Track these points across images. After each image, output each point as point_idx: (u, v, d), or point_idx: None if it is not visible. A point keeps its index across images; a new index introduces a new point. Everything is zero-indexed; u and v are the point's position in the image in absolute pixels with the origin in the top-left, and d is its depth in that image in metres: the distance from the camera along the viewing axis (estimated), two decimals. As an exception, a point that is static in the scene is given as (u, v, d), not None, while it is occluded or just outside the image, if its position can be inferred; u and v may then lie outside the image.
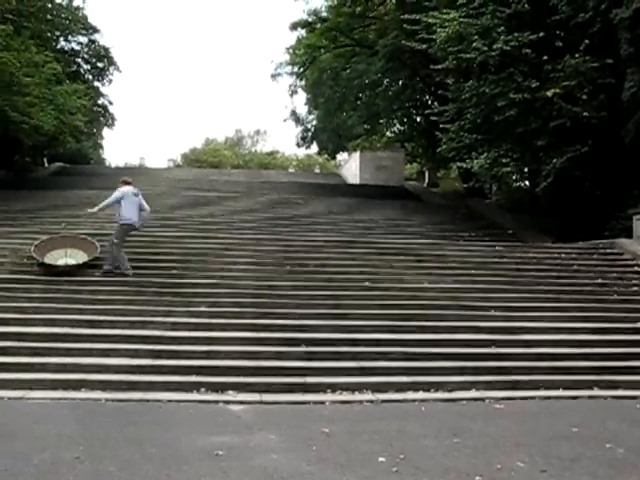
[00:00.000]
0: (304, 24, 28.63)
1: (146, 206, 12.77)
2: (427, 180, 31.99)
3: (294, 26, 29.30)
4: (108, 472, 5.27)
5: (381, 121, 29.26)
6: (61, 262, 12.37)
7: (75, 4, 30.22)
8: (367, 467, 5.55)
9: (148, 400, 7.90)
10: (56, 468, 5.39)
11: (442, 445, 6.25)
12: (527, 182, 24.58)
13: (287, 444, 6.24)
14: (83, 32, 31.18)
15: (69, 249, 12.66)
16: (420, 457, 5.84)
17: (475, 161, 19.68)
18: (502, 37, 17.67)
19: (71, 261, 12.42)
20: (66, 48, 31.30)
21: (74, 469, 5.36)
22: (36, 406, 7.60)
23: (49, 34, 26.84)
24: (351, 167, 34.63)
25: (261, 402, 8.06)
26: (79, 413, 7.38)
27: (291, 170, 59.01)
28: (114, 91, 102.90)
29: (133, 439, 6.27)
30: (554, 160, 17.65)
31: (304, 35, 29.86)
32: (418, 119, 29.10)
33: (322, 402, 8.09)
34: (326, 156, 44.05)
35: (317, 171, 57.16)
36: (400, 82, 26.34)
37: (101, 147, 42.76)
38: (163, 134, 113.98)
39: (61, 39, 30.59)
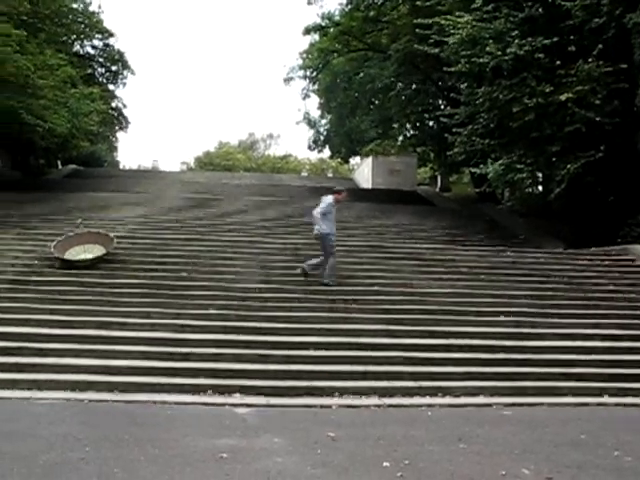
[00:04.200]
0: (317, 28, 28.65)
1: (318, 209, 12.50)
2: (439, 185, 31.93)
3: (307, 30, 29.33)
4: (112, 473, 5.29)
5: (394, 125, 29.21)
6: (81, 257, 12.69)
7: (91, 8, 30.50)
8: (371, 472, 5.54)
9: (155, 402, 7.93)
10: (61, 469, 5.41)
11: (447, 450, 6.23)
12: (540, 187, 24.48)
13: (292, 447, 6.24)
14: (98, 36, 31.46)
15: (87, 245, 13.03)
16: (425, 462, 5.83)
17: (490, 167, 19.60)
18: (516, 41, 17.62)
19: (90, 255, 12.75)
20: (81, 52, 31.59)
21: (79, 470, 5.39)
22: (44, 407, 7.64)
23: (65, 37, 27.01)
24: (363, 171, 34.63)
25: (267, 405, 8.07)
26: (86, 414, 7.42)
27: (304, 174, 59.07)
28: (128, 94, 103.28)
29: (138, 440, 6.29)
30: (568, 166, 17.53)
31: (317, 39, 29.94)
32: (431, 123, 29.05)
33: (329, 406, 8.10)
34: (339, 160, 44.05)
35: (330, 175, 57.16)
36: (413, 86, 26.30)
37: (115, 150, 43.01)
38: (177, 137, 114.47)
39: (76, 43, 30.83)
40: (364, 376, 9.05)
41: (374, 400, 8.38)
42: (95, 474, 5.30)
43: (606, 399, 8.83)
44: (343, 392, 8.55)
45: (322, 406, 8.07)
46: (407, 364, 9.46)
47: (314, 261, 12.43)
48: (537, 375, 9.36)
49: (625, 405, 8.60)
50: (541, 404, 8.51)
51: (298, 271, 12.43)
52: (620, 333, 10.97)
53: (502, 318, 11.33)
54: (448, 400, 8.51)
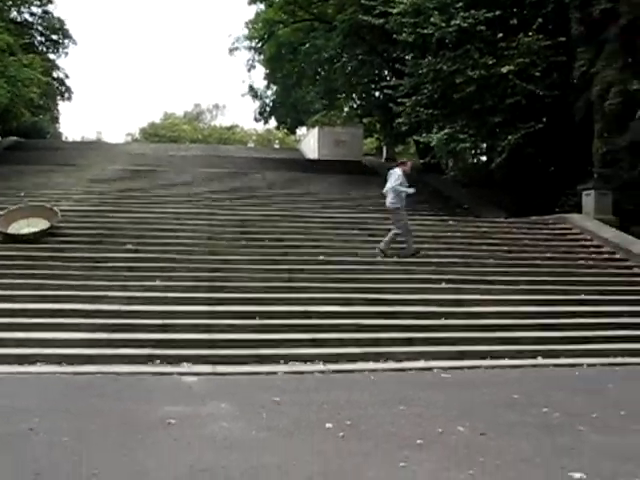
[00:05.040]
0: (263, -2, 28.48)
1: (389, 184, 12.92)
2: (385, 155, 32.20)
3: (252, 0, 29.13)
4: (62, 442, 5.39)
5: (339, 96, 29.28)
6: (24, 231, 12.55)
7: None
8: (314, 434, 5.77)
9: (104, 373, 8.01)
10: (11, 439, 5.49)
11: (389, 413, 6.51)
12: (484, 158, 24.97)
13: (238, 413, 6.44)
14: (37, 3, 30.55)
15: (30, 218, 12.90)
16: (366, 424, 6.08)
17: (433, 135, 19.90)
18: (460, 14, 17.87)
19: (34, 229, 12.64)
20: (19, 19, 30.63)
21: (29, 440, 5.47)
22: (-9, 380, 7.66)
23: (0, 4, 26.15)
24: (309, 142, 34.69)
25: (215, 373, 8.24)
26: (35, 387, 7.47)
27: (250, 145, 58.78)
28: (71, 64, 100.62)
29: (87, 411, 6.40)
30: (509, 137, 17.98)
31: (263, 9, 29.67)
32: (377, 94, 29.18)
33: (274, 373, 8.31)
34: (285, 131, 43.94)
35: (277, 146, 57.00)
36: (359, 57, 26.32)
37: (57, 121, 41.98)
38: (121, 108, 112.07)
39: (13, 9, 29.86)
40: (310, 343, 9.29)
41: (319, 366, 8.61)
42: (45, 443, 5.40)
43: (540, 361, 9.27)
44: (289, 359, 8.77)
45: (268, 373, 8.28)
46: (352, 331, 9.72)
47: (387, 238, 12.78)
48: (476, 340, 9.74)
49: (557, 366, 9.02)
50: (479, 367, 8.88)
51: (378, 258, 12.68)
52: (555, 298, 11.45)
53: (444, 285, 11.70)
54: (391, 365, 8.81)
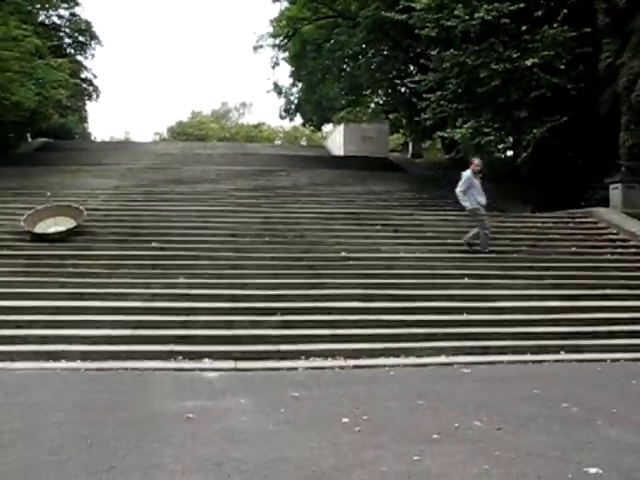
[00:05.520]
0: (286, -5, 28.63)
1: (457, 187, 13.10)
2: (411, 151, 32.11)
3: (277, -3, 29.30)
4: (83, 434, 5.50)
5: (365, 92, 29.27)
6: (51, 230, 12.82)
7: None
8: (331, 427, 5.80)
9: (126, 369, 8.14)
10: (35, 432, 5.62)
11: (406, 407, 6.52)
12: (510, 152, 24.76)
13: (256, 407, 6.50)
14: (64, 5, 30.99)
15: (57, 218, 13.21)
16: (383, 418, 6.11)
17: (457, 130, 19.79)
18: (484, 7, 17.74)
19: (60, 228, 12.90)
20: (47, 22, 31.12)
21: (52, 433, 5.60)
22: (17, 376, 7.83)
23: (29, 7, 26.53)
24: (335, 139, 34.69)
25: (236, 369, 8.32)
26: (59, 382, 7.62)
27: (277, 142, 58.95)
28: (98, 65, 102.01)
29: (109, 405, 6.51)
30: (534, 130, 17.82)
31: (287, 6, 29.78)
32: (402, 89, 29.14)
33: (295, 368, 8.36)
34: (312, 128, 44.04)
35: (303, 143, 57.10)
36: (383, 53, 26.32)
37: (86, 121, 42.54)
38: (149, 108, 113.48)
39: (42, 13, 30.34)
40: (331, 339, 9.32)
41: (340, 362, 8.65)
42: (67, 435, 5.53)
43: (563, 355, 9.20)
44: (310, 355, 8.82)
45: (289, 369, 8.34)
46: (373, 327, 9.75)
47: (471, 233, 13.03)
48: (498, 335, 9.67)
49: (580, 361, 8.94)
50: (501, 362, 8.83)
51: (465, 247, 12.99)
52: (579, 293, 11.33)
53: (466, 280, 11.65)
54: (411, 360, 8.81)
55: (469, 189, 12.92)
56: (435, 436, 5.53)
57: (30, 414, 6.16)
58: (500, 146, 23.91)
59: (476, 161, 13.42)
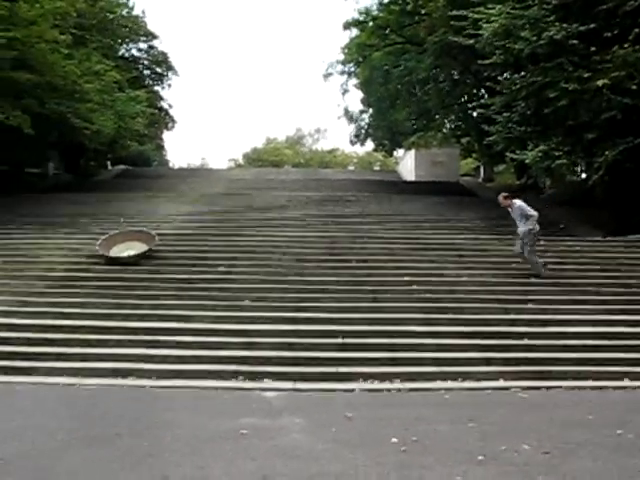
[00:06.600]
0: (356, 23, 29.06)
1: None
2: (482, 176, 31.91)
3: (346, 25, 29.73)
4: (142, 446, 5.86)
5: (435, 117, 29.36)
6: (124, 254, 13.45)
7: (135, 13, 31.55)
8: (378, 447, 5.94)
9: (188, 387, 8.48)
10: (99, 442, 6.00)
11: (456, 430, 6.59)
12: (582, 175, 24.31)
13: (310, 426, 6.70)
14: (143, 39, 32.53)
15: (130, 242, 13.85)
16: (431, 439, 6.20)
17: (528, 152, 19.61)
18: (551, 27, 17.62)
19: (133, 252, 13.53)
20: (127, 55, 32.68)
21: (113, 443, 5.97)
22: (87, 392, 8.29)
23: (111, 42, 27.96)
24: (407, 164, 34.85)
25: (294, 390, 8.55)
26: (125, 398, 8.05)
27: (351, 168, 59.42)
28: (175, 94, 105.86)
29: (168, 421, 6.86)
30: (606, 152, 17.50)
31: (357, 34, 30.24)
32: (473, 114, 29.10)
33: (352, 390, 8.52)
34: (384, 153, 44.29)
35: (377, 168, 57.36)
36: (453, 77, 26.40)
37: (163, 149, 44.11)
38: (225, 135, 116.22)
39: (122, 47, 31.89)
40: (389, 362, 9.44)
41: (396, 385, 8.75)
42: (127, 446, 5.89)
43: (626, 382, 9.01)
44: (367, 377, 8.96)
45: (345, 390, 8.50)
46: (432, 350, 9.81)
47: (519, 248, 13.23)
48: (558, 360, 9.57)
49: (644, 388, 8.76)
50: (559, 387, 8.75)
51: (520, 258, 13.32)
52: (647, 319, 11.06)
53: (530, 306, 11.56)
54: (468, 384, 8.83)
55: (519, 217, 13.45)
56: (480, 457, 5.59)
57: (97, 425, 6.55)
58: (571, 169, 23.55)
59: (500, 195, 14.30)
